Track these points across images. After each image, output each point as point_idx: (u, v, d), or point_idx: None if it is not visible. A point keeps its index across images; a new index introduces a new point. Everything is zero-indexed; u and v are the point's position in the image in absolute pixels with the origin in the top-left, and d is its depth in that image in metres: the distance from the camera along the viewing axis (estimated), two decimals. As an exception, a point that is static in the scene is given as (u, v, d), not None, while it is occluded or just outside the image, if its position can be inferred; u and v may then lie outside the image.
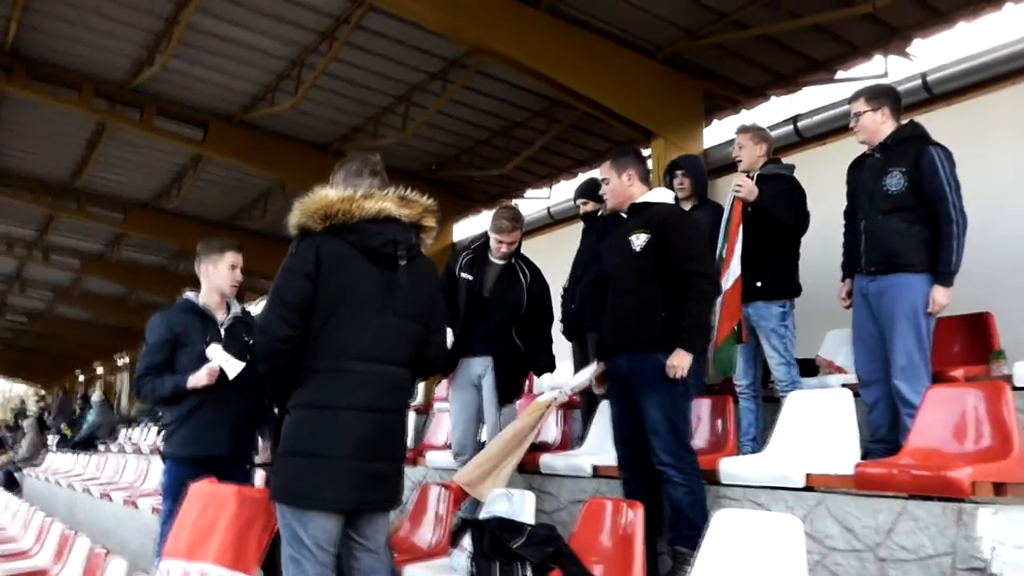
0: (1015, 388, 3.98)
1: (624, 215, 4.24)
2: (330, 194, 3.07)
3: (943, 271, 4.13)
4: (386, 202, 3.08)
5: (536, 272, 5.16)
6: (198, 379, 4.14)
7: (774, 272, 4.83)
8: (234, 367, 4.15)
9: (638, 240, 4.03)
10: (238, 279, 4.44)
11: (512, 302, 5.06)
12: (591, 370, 4.60)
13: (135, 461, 11.30)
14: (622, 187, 4.19)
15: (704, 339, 4.07)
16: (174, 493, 4.01)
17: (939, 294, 4.13)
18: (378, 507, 3.12)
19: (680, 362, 3.87)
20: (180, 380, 4.19)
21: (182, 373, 4.21)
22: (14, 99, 10.49)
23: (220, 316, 4.39)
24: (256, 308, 4.76)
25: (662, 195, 4.23)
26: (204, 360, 4.20)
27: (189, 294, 4.46)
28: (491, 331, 5.04)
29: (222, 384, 4.18)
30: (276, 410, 3.21)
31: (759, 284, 4.80)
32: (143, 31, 8.88)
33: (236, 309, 4.47)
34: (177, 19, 8.42)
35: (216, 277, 4.39)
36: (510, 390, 5.09)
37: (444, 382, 7.81)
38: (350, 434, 2.93)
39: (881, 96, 4.44)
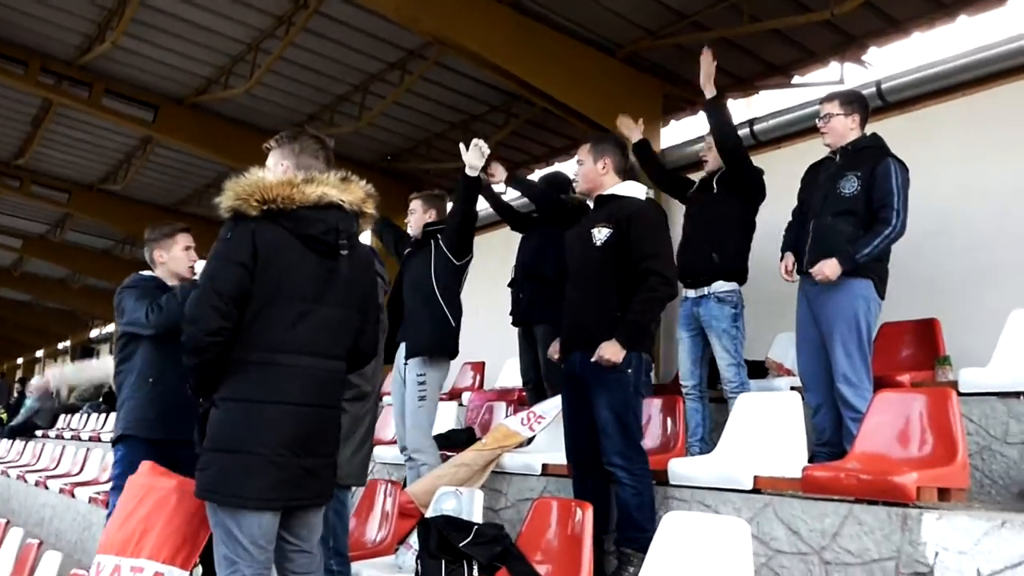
0: (960, 394, 4.05)
1: (591, 204, 4.21)
2: (268, 177, 2.91)
3: (853, 252, 4.16)
4: (328, 187, 2.92)
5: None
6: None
7: (731, 250, 4.86)
8: None
9: (600, 234, 3.98)
10: (194, 259, 4.36)
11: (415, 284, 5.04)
12: (557, 405, 4.57)
13: (73, 448, 11.02)
14: (595, 173, 4.14)
15: (643, 338, 3.96)
16: None
17: (827, 265, 4.18)
18: (310, 504, 2.98)
19: (609, 353, 3.80)
20: (187, 285, 4.12)
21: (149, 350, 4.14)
22: (-45, 72, 10.13)
23: None
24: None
25: (633, 189, 4.15)
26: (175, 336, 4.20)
27: (151, 273, 4.37)
28: (406, 317, 5.07)
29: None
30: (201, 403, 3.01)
31: (715, 256, 4.82)
32: (95, 7, 8.60)
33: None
34: (130, -5, 8.19)
35: (172, 262, 4.33)
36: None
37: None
38: (280, 429, 2.78)
39: (854, 102, 4.52)
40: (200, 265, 4.23)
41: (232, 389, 2.82)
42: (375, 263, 3.30)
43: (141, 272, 4.41)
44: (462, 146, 4.81)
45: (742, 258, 4.91)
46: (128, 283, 4.32)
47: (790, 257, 4.56)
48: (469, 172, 4.78)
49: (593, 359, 3.84)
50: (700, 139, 5.67)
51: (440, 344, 4.96)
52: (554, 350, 4.49)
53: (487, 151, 4.78)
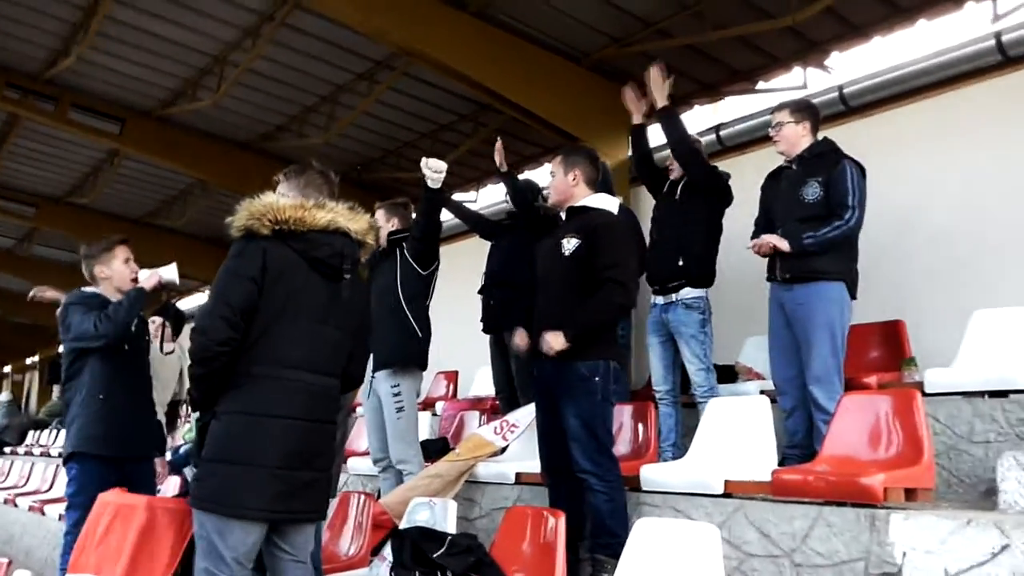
0: (926, 394, 4.12)
1: (562, 215, 4.23)
2: (282, 200, 3.03)
3: (803, 237, 4.26)
4: (337, 215, 3.07)
5: None
6: (149, 280, 4.22)
7: (697, 256, 4.92)
8: (170, 274, 4.31)
9: (568, 244, 4.00)
10: (135, 270, 4.38)
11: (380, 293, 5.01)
12: (530, 414, 4.57)
13: (42, 465, 10.86)
14: (565, 185, 4.16)
15: (594, 338, 3.90)
16: (85, 497, 3.87)
17: (777, 240, 4.32)
18: (306, 518, 3.06)
19: (551, 339, 3.84)
20: (132, 291, 4.19)
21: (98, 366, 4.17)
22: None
23: None
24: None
25: (604, 201, 4.18)
26: (122, 352, 4.23)
27: (93, 289, 4.35)
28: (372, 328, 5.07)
29: (134, 376, 4.20)
30: (199, 414, 3.10)
31: (681, 263, 4.89)
32: (60, 21, 8.53)
33: None
34: (95, 9, 8.12)
35: (115, 276, 4.35)
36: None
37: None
38: (281, 443, 2.87)
39: (804, 110, 4.59)
40: (143, 274, 4.25)
41: (235, 402, 2.91)
42: (368, 291, 3.40)
43: (83, 288, 4.39)
44: (423, 160, 4.82)
45: (709, 262, 4.97)
46: (71, 299, 4.31)
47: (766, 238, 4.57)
48: (430, 184, 4.79)
49: (583, 374, 3.86)
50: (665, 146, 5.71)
51: (406, 356, 4.94)
52: (520, 339, 4.36)
53: (440, 167, 4.78)
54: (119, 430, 4.10)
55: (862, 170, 4.40)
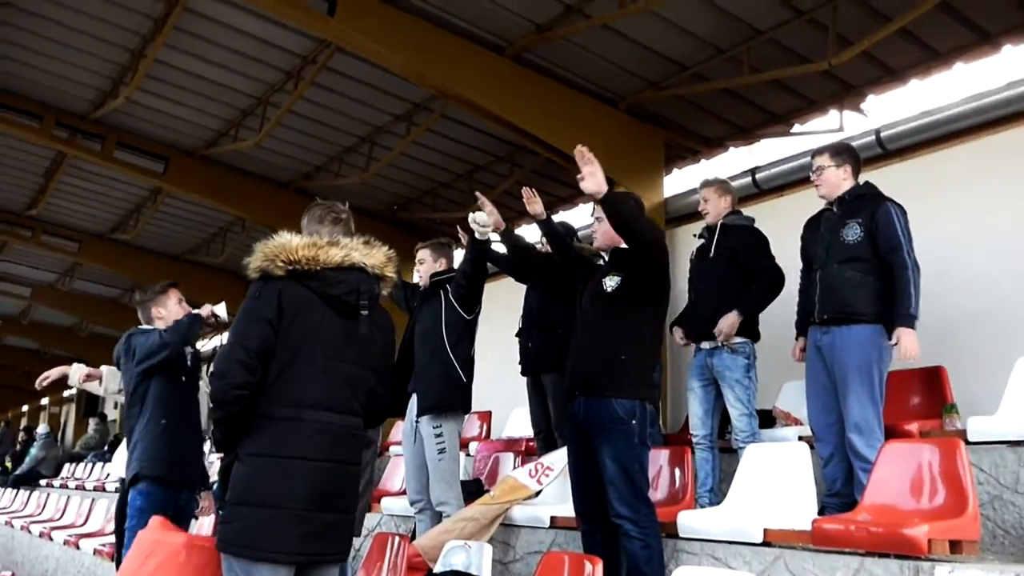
0: (969, 443, 4.05)
1: (604, 258, 4.24)
2: (294, 240, 3.02)
3: (903, 312, 4.14)
4: (351, 250, 3.07)
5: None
6: (203, 310, 4.45)
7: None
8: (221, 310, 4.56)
9: (611, 281, 4.01)
10: (187, 309, 4.61)
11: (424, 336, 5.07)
12: (565, 457, 4.56)
13: (78, 499, 10.97)
14: (614, 231, 4.13)
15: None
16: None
17: (906, 337, 4.10)
18: (330, 559, 3.03)
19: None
20: (188, 315, 4.45)
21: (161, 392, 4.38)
22: (-26, 127, 10.33)
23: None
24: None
25: None
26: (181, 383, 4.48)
27: (149, 327, 4.57)
28: (416, 370, 5.08)
29: (190, 407, 4.44)
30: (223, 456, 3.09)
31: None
32: (109, 63, 8.83)
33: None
34: (144, 53, 8.37)
35: (170, 318, 4.56)
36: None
37: (399, 423, 7.77)
38: (305, 484, 2.85)
39: (844, 153, 4.57)
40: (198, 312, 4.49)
41: (257, 444, 2.90)
42: (392, 325, 3.36)
43: (141, 326, 4.62)
44: (470, 216, 4.87)
45: (751, 319, 4.95)
46: (128, 334, 4.55)
47: (801, 342, 4.62)
48: (477, 236, 4.85)
49: (621, 417, 3.84)
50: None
51: (450, 401, 4.96)
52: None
53: (487, 221, 4.82)
54: (179, 456, 4.25)
55: (904, 212, 4.37)
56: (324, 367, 2.96)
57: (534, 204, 4.72)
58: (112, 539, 7.55)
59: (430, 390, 4.92)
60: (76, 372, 4.70)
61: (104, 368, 4.84)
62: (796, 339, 4.69)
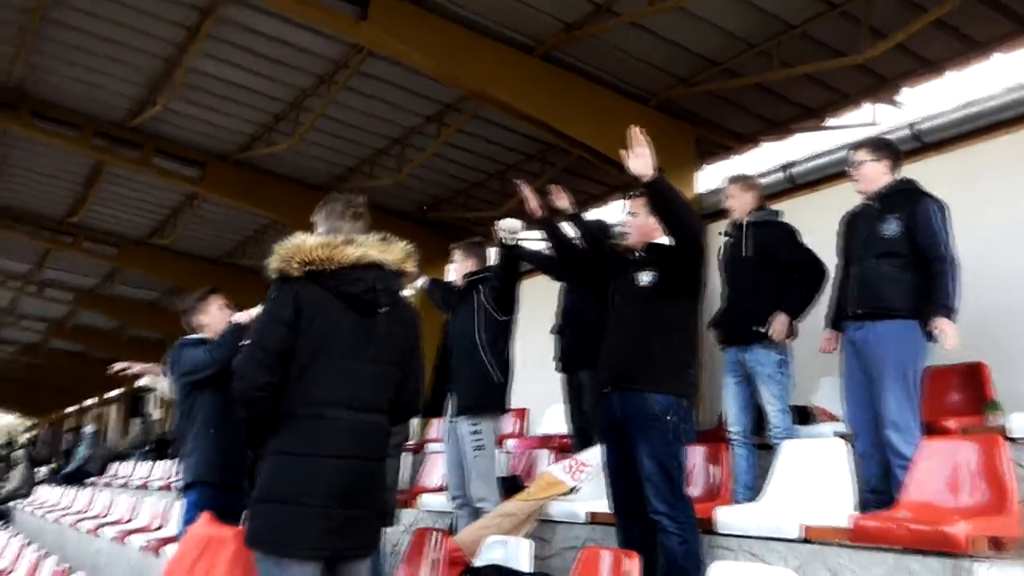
0: (1010, 439, 4.01)
1: (637, 254, 4.25)
2: (308, 241, 3.03)
3: (943, 303, 4.10)
4: (368, 248, 3.07)
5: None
6: (241, 317, 4.41)
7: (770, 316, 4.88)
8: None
9: (645, 277, 4.02)
10: (230, 314, 4.64)
11: (459, 337, 5.12)
12: (598, 457, 4.59)
13: (125, 496, 11.21)
14: (648, 226, 4.13)
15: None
16: None
17: (947, 326, 4.05)
18: (355, 554, 3.06)
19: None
20: (229, 326, 4.44)
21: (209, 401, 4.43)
22: (17, 136, 10.59)
23: None
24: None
25: None
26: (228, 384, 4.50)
27: (196, 336, 4.65)
28: (452, 372, 5.12)
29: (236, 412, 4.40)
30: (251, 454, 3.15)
31: (756, 329, 4.85)
32: (146, 72, 8.99)
33: None
34: (179, 61, 8.52)
35: (214, 323, 4.62)
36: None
37: (436, 422, 7.84)
38: (327, 481, 2.89)
39: (884, 148, 4.55)
40: (239, 316, 4.51)
41: (279, 442, 2.94)
42: (417, 321, 3.36)
43: (188, 336, 4.69)
44: (496, 224, 4.92)
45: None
46: (179, 343, 4.62)
47: (829, 334, 4.63)
48: (505, 243, 4.89)
49: (657, 412, 3.87)
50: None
51: (485, 402, 5.01)
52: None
53: (515, 227, 4.88)
54: (228, 460, 4.32)
55: (944, 208, 4.33)
56: (344, 366, 2.98)
57: (561, 199, 4.73)
58: (158, 535, 7.80)
59: (466, 391, 4.98)
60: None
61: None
62: (824, 329, 4.66)
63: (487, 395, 5.01)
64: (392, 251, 3.13)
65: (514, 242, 4.88)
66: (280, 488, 2.89)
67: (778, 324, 4.82)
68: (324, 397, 2.94)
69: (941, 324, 4.08)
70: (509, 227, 4.83)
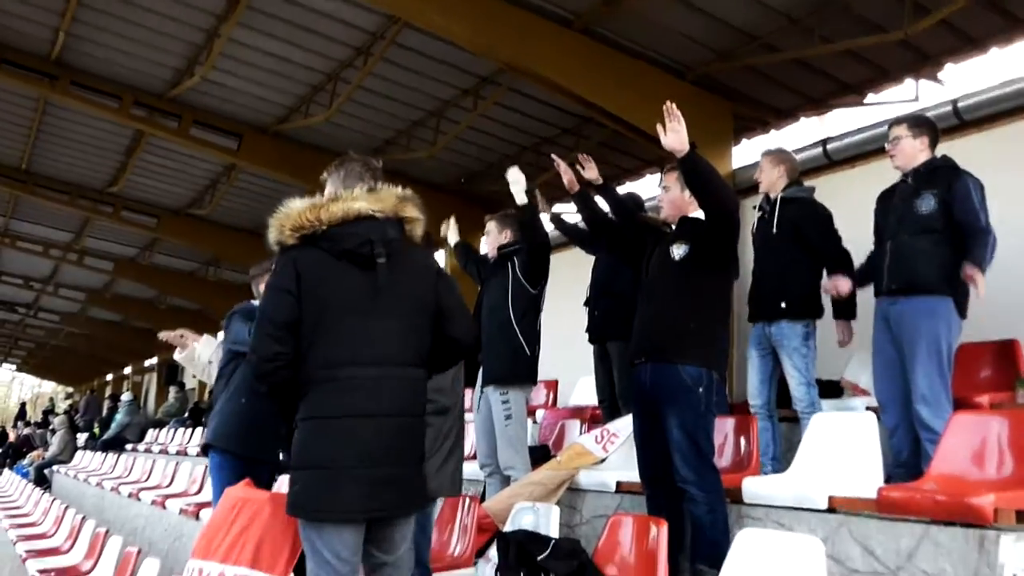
0: (1040, 415, 4.00)
1: (671, 227, 4.28)
2: (295, 205, 2.99)
3: (976, 262, 4.11)
4: (354, 202, 2.99)
5: None
6: None
7: (798, 293, 4.89)
8: None
9: (678, 250, 4.06)
10: None
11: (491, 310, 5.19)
12: (631, 424, 4.63)
13: (163, 462, 11.48)
14: (681, 200, 4.18)
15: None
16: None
17: (978, 276, 4.07)
18: (393, 513, 3.00)
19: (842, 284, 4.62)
20: None
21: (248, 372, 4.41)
22: (58, 106, 10.80)
23: None
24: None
25: None
26: None
27: (257, 303, 4.68)
28: (484, 343, 5.17)
29: None
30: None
31: (783, 305, 4.87)
32: (185, 43, 9.11)
33: None
34: (218, 32, 8.62)
35: None
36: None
37: (467, 391, 7.92)
38: (356, 441, 2.85)
39: (923, 125, 4.53)
40: None
41: (305, 408, 2.93)
42: (430, 262, 3.28)
43: (251, 301, 4.79)
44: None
45: (813, 296, 4.92)
46: (237, 309, 4.70)
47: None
48: (517, 200, 4.95)
49: (689, 384, 3.91)
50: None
51: (515, 373, 5.10)
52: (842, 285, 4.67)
53: (515, 176, 5.01)
54: (251, 431, 4.36)
55: (982, 186, 4.31)
56: (354, 323, 2.93)
57: (591, 170, 4.76)
58: (197, 499, 7.99)
59: (496, 363, 5.06)
60: (204, 344, 4.82)
61: (204, 337, 5.01)
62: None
63: (516, 366, 5.09)
64: (382, 199, 3.04)
65: (522, 195, 4.94)
66: (311, 454, 2.89)
67: (842, 283, 4.74)
68: (337, 358, 2.90)
69: (974, 272, 4.10)
70: (512, 176, 4.89)
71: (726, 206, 3.97)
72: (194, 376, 18.47)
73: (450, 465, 3.74)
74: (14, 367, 40.25)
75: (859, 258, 4.87)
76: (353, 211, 2.97)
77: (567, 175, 4.82)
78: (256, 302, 4.67)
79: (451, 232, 6.03)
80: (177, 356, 5.21)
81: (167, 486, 10.25)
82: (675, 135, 3.76)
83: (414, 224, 3.12)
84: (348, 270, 2.96)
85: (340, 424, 2.87)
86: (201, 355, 5.02)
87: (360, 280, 2.96)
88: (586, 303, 5.92)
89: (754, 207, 5.40)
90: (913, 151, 4.46)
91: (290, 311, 2.91)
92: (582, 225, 5.70)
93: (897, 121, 4.60)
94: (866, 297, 4.68)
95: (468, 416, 5.82)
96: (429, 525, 3.98)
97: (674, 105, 3.78)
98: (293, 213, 2.97)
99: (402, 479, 2.95)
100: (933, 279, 4.24)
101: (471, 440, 5.68)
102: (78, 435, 19.05)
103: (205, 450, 4.64)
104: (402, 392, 2.98)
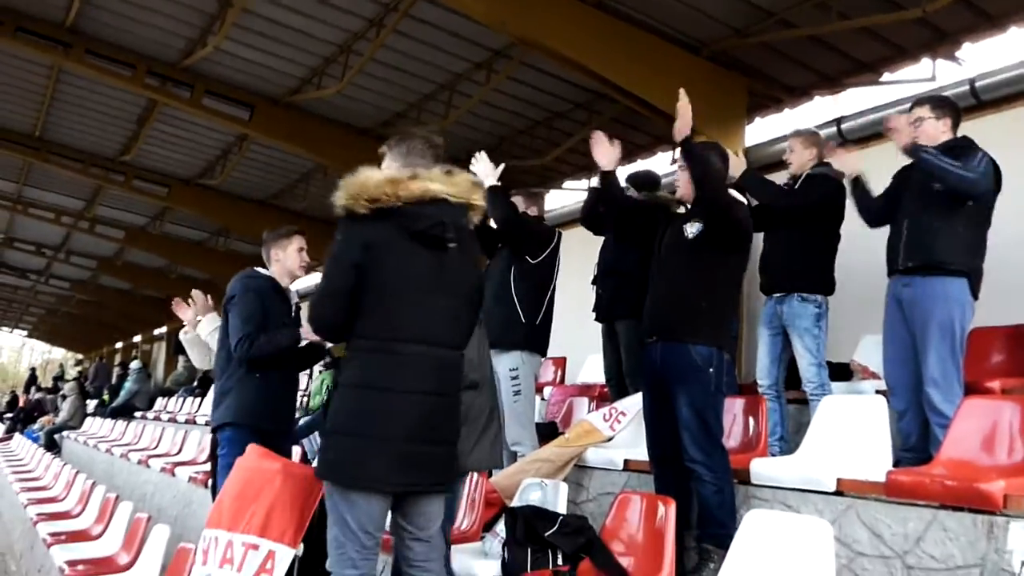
0: (1051, 401, 3.98)
1: (687, 207, 4.26)
2: (373, 176, 2.98)
3: (921, 148, 4.18)
4: (431, 182, 2.99)
5: None
6: (308, 333, 4.23)
7: (809, 269, 4.88)
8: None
9: (692, 228, 4.05)
10: (306, 260, 4.64)
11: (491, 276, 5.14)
12: (638, 403, 4.63)
13: (172, 430, 11.59)
14: None
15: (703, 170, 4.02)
16: None
17: (906, 146, 4.21)
18: (426, 490, 3.04)
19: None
20: (296, 332, 4.34)
21: None
22: (71, 74, 10.79)
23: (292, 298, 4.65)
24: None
25: (734, 196, 4.19)
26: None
27: (266, 272, 4.62)
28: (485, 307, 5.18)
29: (287, 355, 4.39)
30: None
31: (796, 283, 4.86)
32: (198, 12, 9.07)
33: (294, 294, 4.70)
34: (231, 2, 8.57)
35: (287, 260, 4.60)
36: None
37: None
38: (398, 416, 2.88)
39: (945, 107, 4.47)
40: (307, 326, 4.18)
41: (351, 376, 2.97)
42: (480, 252, 3.42)
43: (257, 268, 4.65)
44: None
45: (826, 272, 4.92)
46: (244, 275, 4.55)
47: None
48: (485, 183, 4.83)
49: (699, 364, 3.92)
50: (784, 138, 5.64)
51: (510, 338, 5.06)
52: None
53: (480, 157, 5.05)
54: (271, 405, 4.37)
55: (996, 165, 4.27)
56: (416, 301, 2.97)
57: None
58: (205, 467, 8.03)
59: (491, 328, 5.02)
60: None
61: (210, 315, 4.88)
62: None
63: (511, 331, 5.06)
64: (457, 184, 3.05)
65: (488, 179, 4.94)
66: (351, 421, 2.92)
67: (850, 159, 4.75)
68: (398, 332, 2.94)
69: (905, 146, 4.21)
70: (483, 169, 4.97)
71: (714, 199, 4.02)
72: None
73: (487, 438, 3.70)
74: (25, 333, 40.52)
75: (866, 240, 4.84)
76: (431, 192, 2.98)
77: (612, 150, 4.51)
78: (263, 270, 4.64)
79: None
80: (183, 336, 5.17)
81: (176, 454, 10.34)
82: (679, 119, 3.97)
83: (478, 211, 3.17)
84: (416, 248, 2.98)
85: (384, 397, 2.90)
86: (201, 329, 4.91)
87: (426, 259, 3.00)
88: (593, 281, 5.91)
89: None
90: (935, 132, 4.40)
91: (352, 281, 2.94)
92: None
93: (919, 101, 4.52)
94: (878, 279, 4.66)
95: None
96: (454, 502, 3.96)
97: (683, 91, 3.95)
98: (371, 184, 2.95)
99: (434, 456, 2.99)
100: (949, 258, 4.20)
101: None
102: (88, 401, 19.21)
103: (221, 428, 4.46)
104: (444, 372, 3.03)
